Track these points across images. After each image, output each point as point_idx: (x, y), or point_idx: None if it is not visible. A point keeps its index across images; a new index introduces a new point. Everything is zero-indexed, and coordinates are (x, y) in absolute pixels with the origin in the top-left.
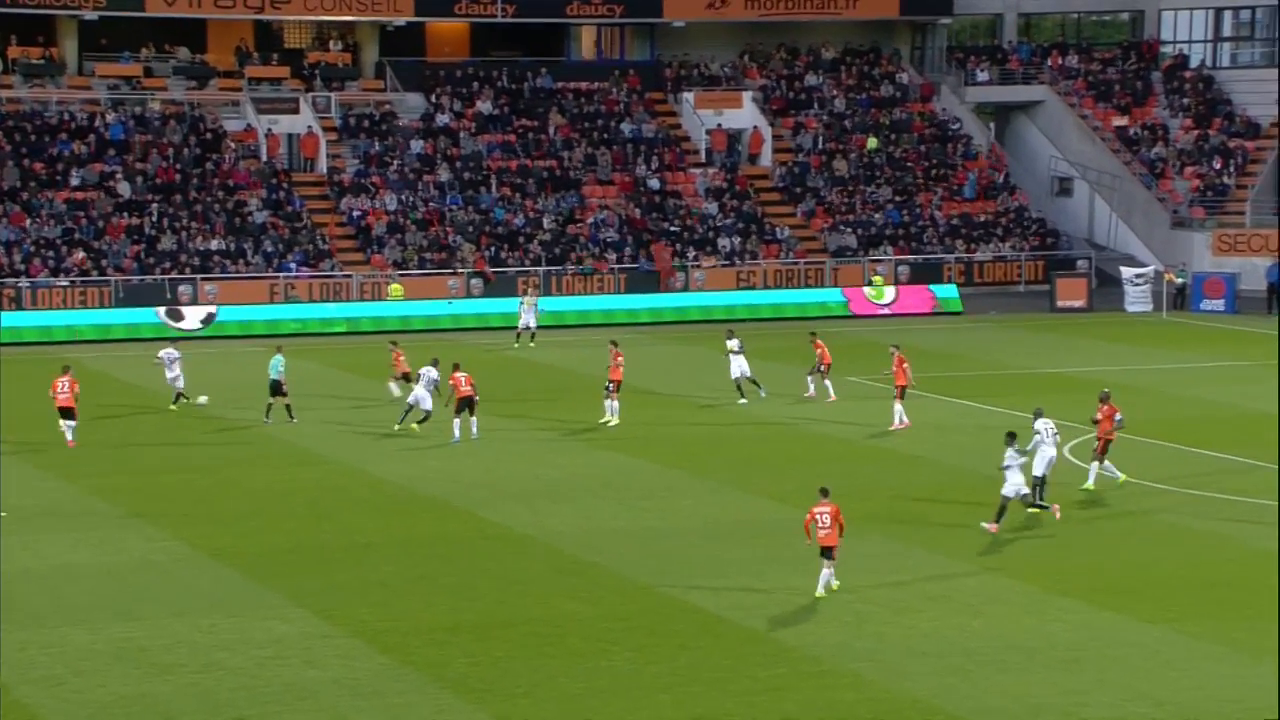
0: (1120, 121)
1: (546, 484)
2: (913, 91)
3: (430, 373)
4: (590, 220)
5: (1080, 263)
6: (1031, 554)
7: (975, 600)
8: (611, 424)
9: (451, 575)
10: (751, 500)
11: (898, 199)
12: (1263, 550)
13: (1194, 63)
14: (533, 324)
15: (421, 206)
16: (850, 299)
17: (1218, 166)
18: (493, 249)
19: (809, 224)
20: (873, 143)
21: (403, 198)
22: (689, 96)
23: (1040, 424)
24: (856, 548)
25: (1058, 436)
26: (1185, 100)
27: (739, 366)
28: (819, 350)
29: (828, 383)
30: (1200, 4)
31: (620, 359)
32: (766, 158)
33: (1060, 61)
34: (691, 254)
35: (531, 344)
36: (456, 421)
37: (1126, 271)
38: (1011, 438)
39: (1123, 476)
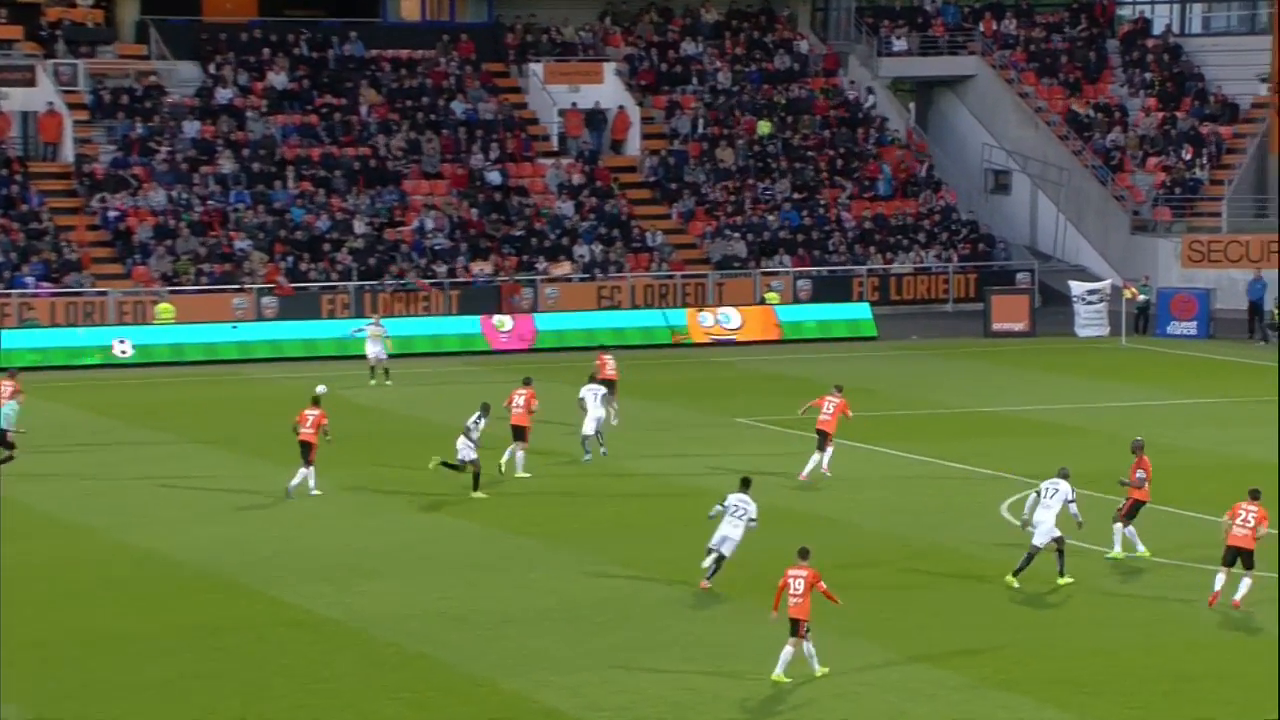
0: (1069, 101)
1: (358, 555)
2: (814, 64)
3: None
4: (414, 223)
5: (1021, 276)
6: (969, 637)
7: (897, 696)
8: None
9: (239, 673)
10: (615, 572)
11: (797, 197)
12: (1239, 635)
13: (1158, 29)
14: (383, 355)
15: (198, 205)
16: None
17: (1187, 157)
18: (290, 259)
19: (687, 228)
20: (765, 127)
21: (174, 194)
22: (537, 69)
23: (1048, 484)
24: (751, 631)
25: (1072, 504)
26: (1148, 75)
27: (596, 415)
28: None
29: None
30: None
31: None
32: (634, 145)
33: (995, 27)
34: (541, 265)
35: (388, 382)
36: (303, 472)
37: (1077, 287)
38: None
39: (1144, 550)
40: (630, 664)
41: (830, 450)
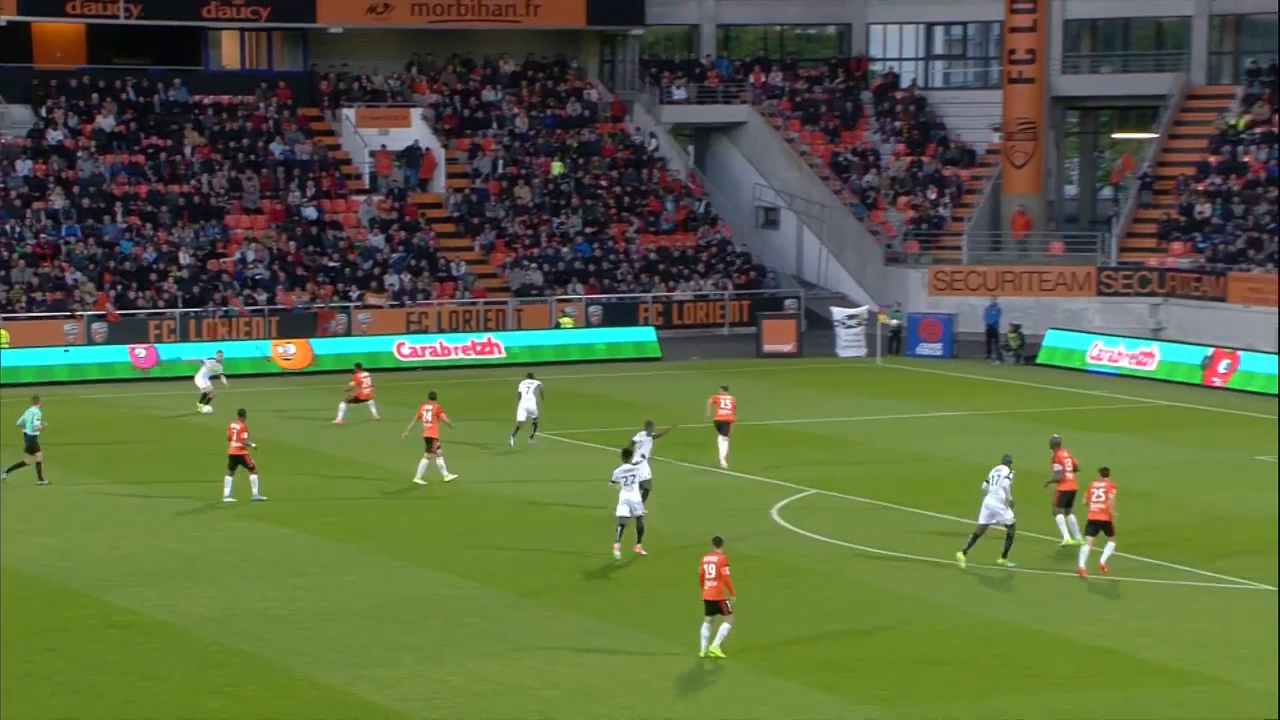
0: (830, 147)
1: (183, 561)
2: (602, 110)
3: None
4: (236, 255)
5: (789, 303)
6: (741, 627)
7: (678, 684)
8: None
9: (69, 672)
10: (425, 574)
11: (588, 231)
12: (982, 620)
13: (905, 82)
14: (208, 384)
15: (31, 238)
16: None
17: (933, 196)
18: (119, 287)
19: (488, 259)
20: (558, 167)
21: (8, 227)
22: (349, 113)
23: (994, 472)
24: (542, 625)
25: (1006, 482)
26: (897, 124)
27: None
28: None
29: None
30: (909, 18)
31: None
32: (439, 183)
33: (763, 79)
34: (355, 293)
35: (208, 409)
36: (229, 480)
37: (838, 312)
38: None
39: (1068, 539)
40: (438, 658)
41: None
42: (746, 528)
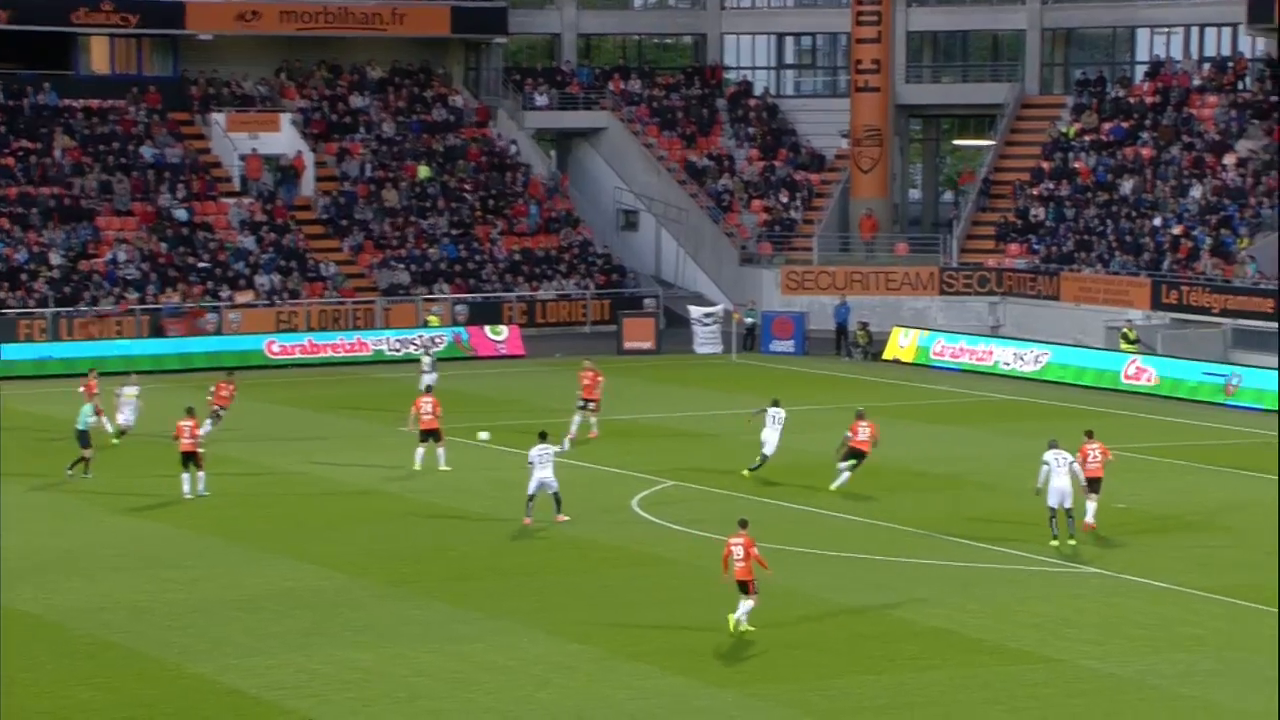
0: (686, 152)
1: (56, 555)
2: (467, 116)
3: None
4: (107, 256)
5: (648, 302)
6: (602, 614)
7: (541, 669)
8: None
9: None
10: (294, 566)
11: (454, 232)
12: (832, 605)
13: (758, 90)
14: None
15: None
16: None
17: (784, 200)
18: None
19: (357, 260)
20: (424, 171)
21: None
22: (219, 118)
23: (1051, 454)
24: (409, 614)
25: (1074, 464)
26: (751, 130)
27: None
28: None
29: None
30: (761, 29)
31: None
32: (309, 186)
33: (622, 86)
34: (225, 292)
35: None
36: (185, 476)
37: (695, 311)
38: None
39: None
40: (306, 647)
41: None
42: (608, 518)
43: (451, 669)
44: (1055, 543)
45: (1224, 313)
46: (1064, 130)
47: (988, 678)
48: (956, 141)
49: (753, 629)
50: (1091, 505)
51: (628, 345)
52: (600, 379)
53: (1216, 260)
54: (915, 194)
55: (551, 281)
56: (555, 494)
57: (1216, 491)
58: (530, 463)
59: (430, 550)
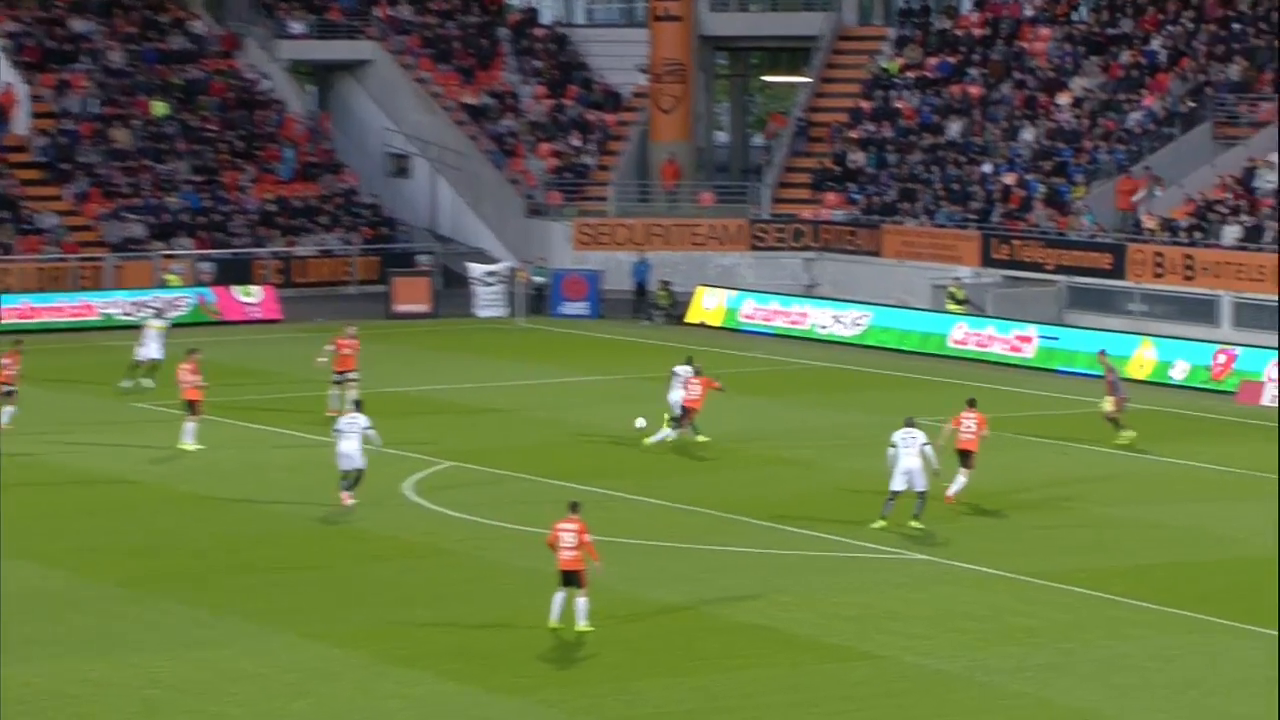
0: (464, 88)
1: None
2: (210, 44)
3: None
4: None
5: (422, 259)
6: (370, 614)
7: (298, 676)
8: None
9: None
10: (8, 566)
11: (197, 179)
12: (631, 598)
13: (545, 19)
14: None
15: None
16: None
17: (576, 143)
18: None
19: (82, 210)
20: (160, 108)
21: None
22: None
23: (901, 434)
24: (144, 617)
25: (927, 447)
26: (537, 64)
27: None
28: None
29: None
30: None
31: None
32: (23, 124)
33: (390, 12)
34: None
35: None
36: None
37: (475, 269)
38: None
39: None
40: (27, 658)
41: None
42: (377, 504)
43: (193, 678)
44: (879, 524)
45: (1059, 269)
46: (885, 66)
47: (803, 677)
48: (767, 78)
49: (592, 629)
50: (960, 479)
51: (399, 308)
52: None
53: (1050, 211)
54: (722, 137)
55: (311, 236)
56: (358, 472)
57: (1048, 467)
58: (337, 430)
59: (169, 544)
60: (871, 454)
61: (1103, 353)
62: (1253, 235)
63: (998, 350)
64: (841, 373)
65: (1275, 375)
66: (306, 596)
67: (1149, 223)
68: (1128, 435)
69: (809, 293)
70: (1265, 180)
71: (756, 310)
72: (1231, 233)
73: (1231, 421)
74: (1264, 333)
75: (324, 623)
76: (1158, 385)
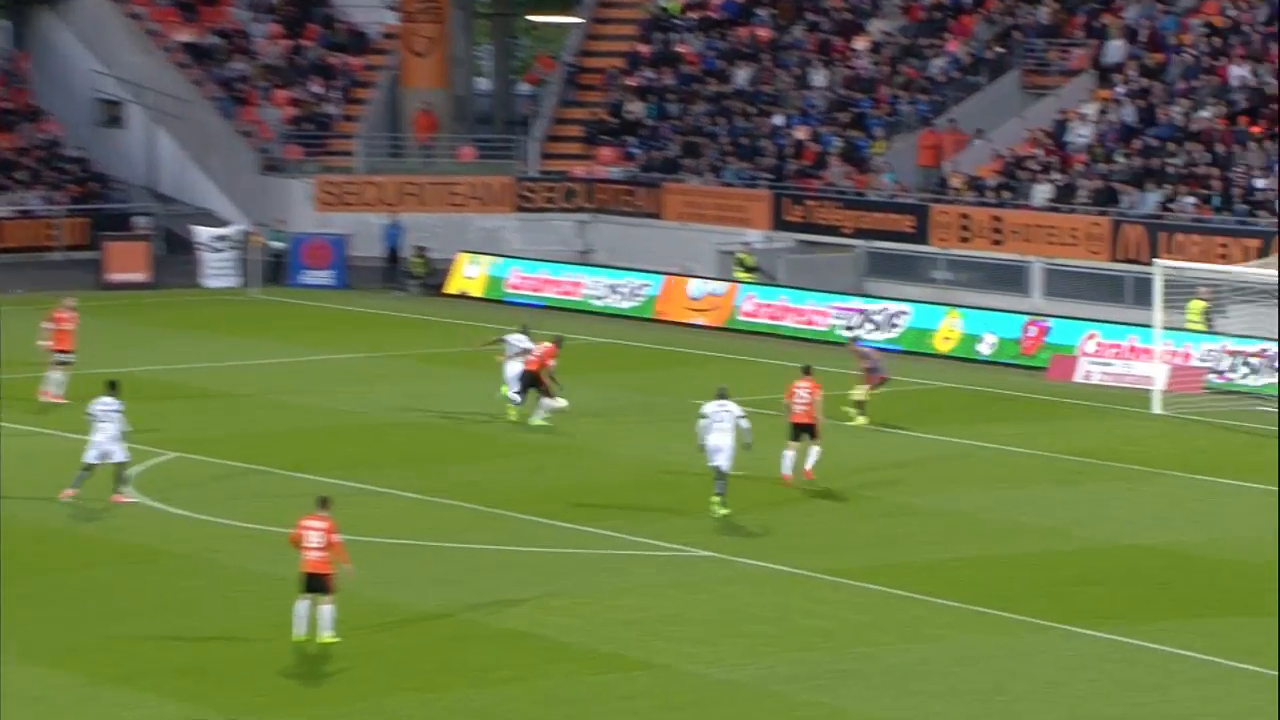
0: (184, 26)
1: None
2: None
3: None
4: None
5: (139, 220)
6: (82, 628)
7: (15, 703)
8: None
9: None
10: None
11: None
12: (383, 604)
13: None
14: None
15: None
16: None
17: (317, 90)
18: None
19: None
20: None
21: None
22: None
23: (713, 406)
24: None
25: (743, 420)
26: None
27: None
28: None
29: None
30: None
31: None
32: None
33: None
34: None
35: None
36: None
37: (202, 233)
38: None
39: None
40: None
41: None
42: (89, 502)
43: None
44: (715, 501)
45: (857, 233)
46: (665, 5)
47: (575, 690)
48: (533, 18)
49: (338, 640)
50: (814, 452)
51: (113, 277)
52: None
53: (848, 168)
54: (483, 84)
55: (7, 194)
56: (120, 466)
57: (845, 452)
58: (89, 414)
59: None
60: (653, 440)
61: (853, 341)
62: (1065, 195)
63: (791, 323)
64: (619, 349)
65: (1090, 349)
66: (9, 610)
67: (954, 181)
68: (862, 420)
69: (582, 259)
70: (1078, 134)
71: (524, 280)
72: (1042, 192)
73: (1043, 400)
74: (1078, 302)
75: (26, 640)
76: (964, 361)
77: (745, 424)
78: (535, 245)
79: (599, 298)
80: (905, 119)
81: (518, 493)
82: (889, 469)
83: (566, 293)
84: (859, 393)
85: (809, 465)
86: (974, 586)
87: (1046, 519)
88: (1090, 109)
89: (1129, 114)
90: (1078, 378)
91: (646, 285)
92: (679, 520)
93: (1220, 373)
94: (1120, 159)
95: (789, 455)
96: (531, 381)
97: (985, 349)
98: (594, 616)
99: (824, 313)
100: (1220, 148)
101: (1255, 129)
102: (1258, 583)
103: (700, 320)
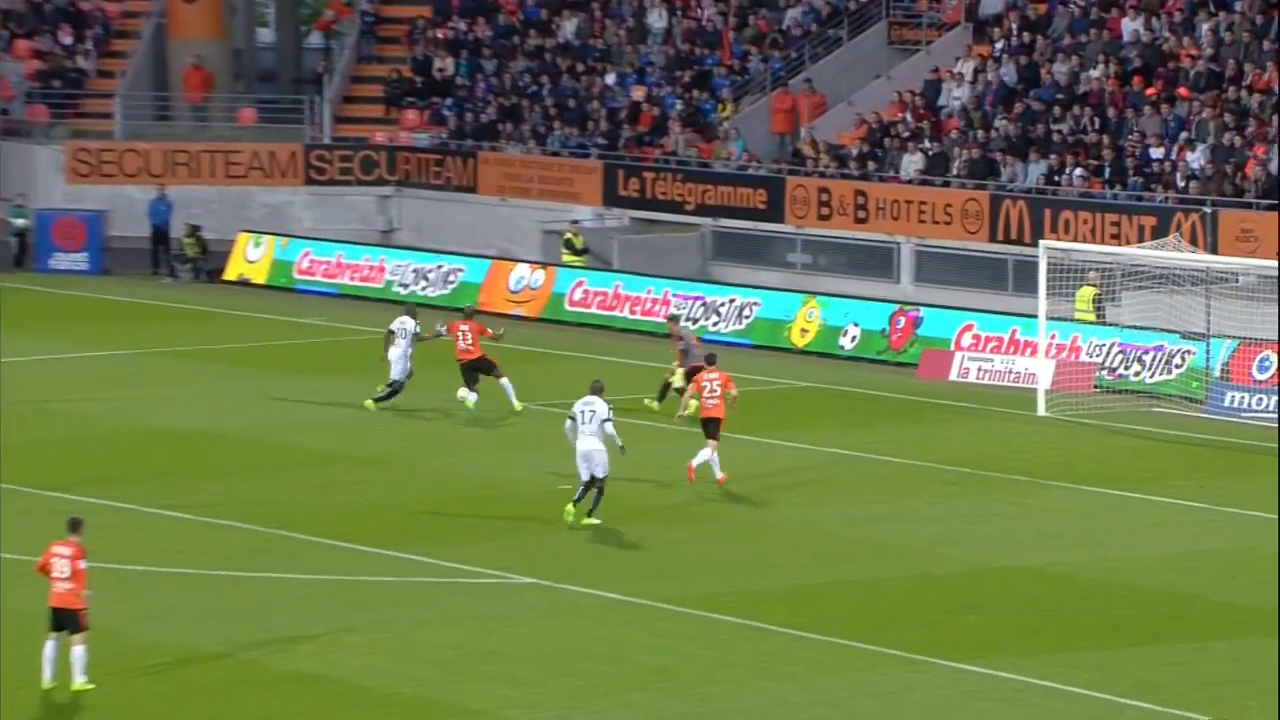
0: None
1: None
2: None
3: None
4: None
5: None
6: None
7: None
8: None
9: None
10: None
11: None
12: (147, 644)
13: None
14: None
15: None
16: None
17: (67, 41)
18: None
19: None
20: None
21: None
22: None
23: (581, 405)
24: None
25: (609, 424)
26: None
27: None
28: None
29: None
30: None
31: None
32: None
33: None
34: None
35: None
36: None
37: None
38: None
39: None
40: None
41: None
42: None
43: None
44: (569, 510)
45: (701, 210)
46: None
47: None
48: None
49: (92, 685)
50: (707, 453)
51: None
52: None
53: (690, 135)
54: (266, 35)
55: None
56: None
57: (671, 458)
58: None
59: None
60: (464, 449)
61: (673, 319)
62: (938, 166)
63: (626, 314)
64: (425, 344)
65: (967, 343)
66: None
67: (811, 150)
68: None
69: (385, 240)
70: (952, 97)
71: (316, 263)
72: (912, 163)
73: (914, 401)
74: (952, 289)
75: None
76: (824, 356)
77: (610, 428)
78: (329, 224)
79: (404, 285)
80: (756, 78)
81: (306, 512)
82: (741, 481)
83: (367, 279)
84: (678, 378)
85: (695, 461)
86: (837, 616)
87: (919, 538)
88: (965, 68)
89: (1009, 73)
90: (953, 375)
91: (460, 270)
92: (496, 542)
93: (1112, 370)
94: (1000, 125)
95: (705, 452)
96: (475, 370)
97: (848, 343)
98: (397, 655)
99: (664, 301)
100: (1111, 112)
101: (1150, 91)
102: (1152, 609)
103: (520, 311)
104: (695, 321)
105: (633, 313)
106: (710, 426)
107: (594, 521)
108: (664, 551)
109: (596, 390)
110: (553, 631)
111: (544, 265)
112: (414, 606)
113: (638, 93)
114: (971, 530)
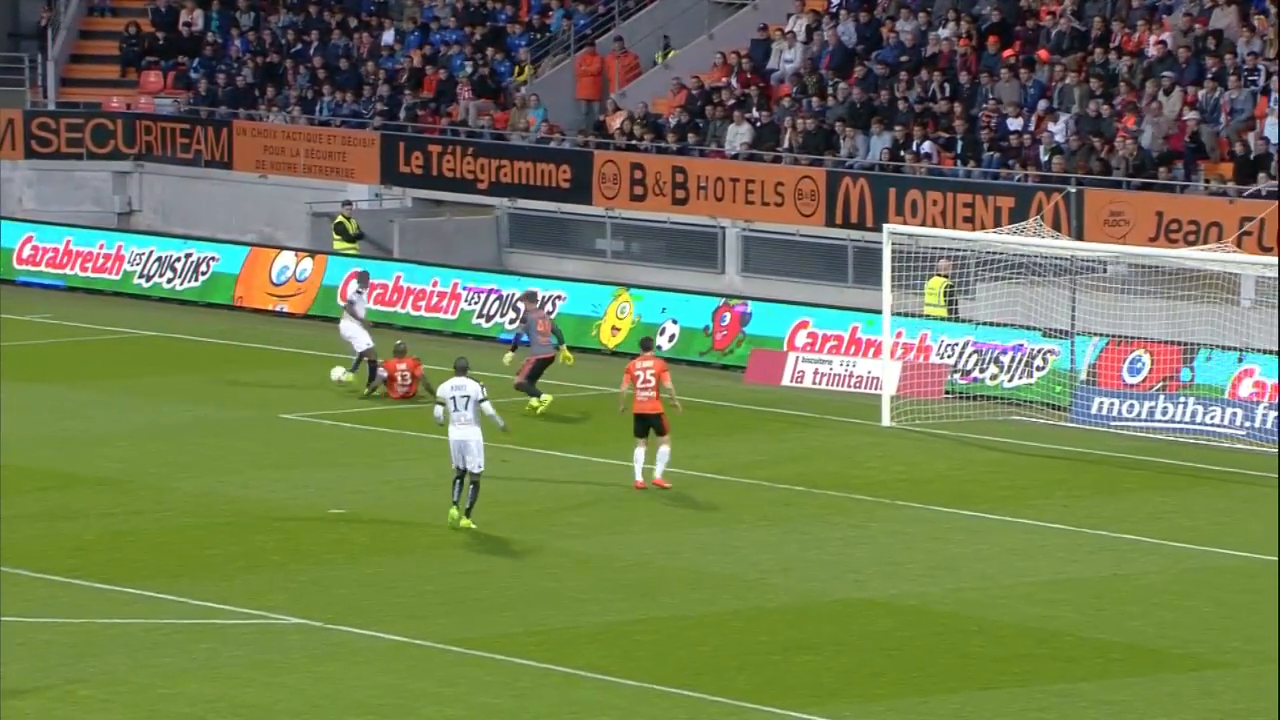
0: None
1: None
2: None
3: None
4: None
5: None
6: None
7: None
8: None
9: None
10: None
11: None
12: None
13: None
14: None
15: None
16: None
17: None
18: None
19: None
20: None
21: None
22: None
23: (449, 387)
24: None
25: (485, 404)
26: None
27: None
28: None
29: None
30: None
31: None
32: None
33: None
34: None
35: None
36: None
37: None
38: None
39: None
40: None
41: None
42: None
43: None
44: (452, 513)
45: (495, 189)
46: None
47: None
48: None
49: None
50: (662, 454)
51: None
52: None
53: (482, 103)
54: None
55: None
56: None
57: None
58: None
59: None
60: (221, 468)
61: (530, 296)
62: (767, 138)
63: (409, 309)
64: (172, 344)
65: (801, 342)
66: None
67: (621, 122)
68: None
69: (123, 224)
70: (783, 60)
71: (40, 250)
72: (738, 135)
73: (741, 409)
74: (784, 280)
75: None
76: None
77: (489, 408)
78: (55, 205)
79: (146, 277)
80: (559, 37)
81: (28, 542)
82: (541, 504)
83: (101, 270)
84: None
85: (659, 471)
86: (653, 657)
87: (747, 567)
88: (798, 26)
89: (847, 32)
90: (786, 380)
91: (213, 259)
92: (258, 576)
93: (966, 373)
94: (838, 92)
95: (638, 455)
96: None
97: (665, 342)
98: (139, 711)
99: (453, 295)
100: (964, 77)
101: (1007, 53)
102: (1013, 646)
103: (285, 307)
104: (489, 319)
105: (416, 309)
106: (643, 424)
107: (470, 525)
108: (455, 586)
109: (462, 369)
110: (324, 680)
111: (312, 253)
112: (158, 653)
113: (418, 54)
114: (807, 558)
